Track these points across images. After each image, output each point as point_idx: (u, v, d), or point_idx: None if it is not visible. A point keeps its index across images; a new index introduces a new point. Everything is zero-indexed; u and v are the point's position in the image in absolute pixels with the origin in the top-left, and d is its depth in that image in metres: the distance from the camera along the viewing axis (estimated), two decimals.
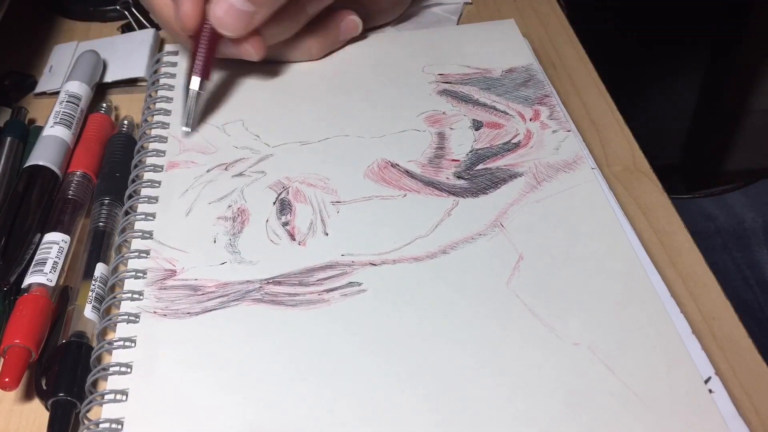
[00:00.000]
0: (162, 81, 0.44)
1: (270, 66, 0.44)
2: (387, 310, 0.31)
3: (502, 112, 0.40)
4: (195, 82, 0.39)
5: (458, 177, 0.37)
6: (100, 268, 0.34)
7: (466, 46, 0.45)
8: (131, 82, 0.47)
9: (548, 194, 0.36)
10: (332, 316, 0.31)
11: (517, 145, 0.38)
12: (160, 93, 0.43)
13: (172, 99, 0.42)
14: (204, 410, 0.28)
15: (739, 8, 1.08)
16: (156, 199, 0.37)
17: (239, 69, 0.43)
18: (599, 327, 0.30)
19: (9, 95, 0.47)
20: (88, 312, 0.33)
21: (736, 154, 1.22)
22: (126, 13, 0.52)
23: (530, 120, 0.40)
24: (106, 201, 0.37)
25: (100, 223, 0.36)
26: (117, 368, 0.30)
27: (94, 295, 0.33)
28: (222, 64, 0.43)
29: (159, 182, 0.38)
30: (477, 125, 0.40)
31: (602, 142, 0.41)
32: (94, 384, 0.30)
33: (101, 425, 0.28)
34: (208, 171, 0.38)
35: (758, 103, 1.17)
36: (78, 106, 0.42)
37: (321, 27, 0.43)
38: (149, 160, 0.39)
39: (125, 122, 0.42)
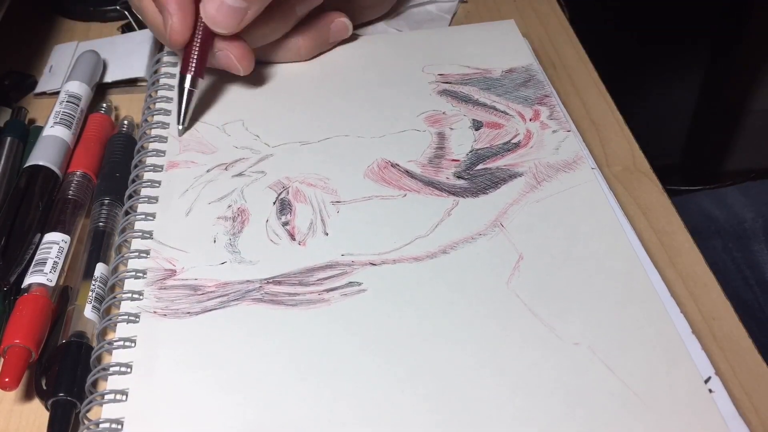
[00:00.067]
0: (162, 81, 0.44)
1: (270, 66, 0.44)
2: (387, 310, 0.31)
3: (502, 112, 0.40)
4: (188, 80, 0.39)
5: (458, 177, 0.37)
6: (100, 268, 0.34)
7: (466, 46, 0.45)
8: (131, 82, 0.47)
9: (548, 194, 0.36)
10: (332, 316, 0.31)
11: (517, 145, 0.38)
12: (160, 93, 0.43)
13: (172, 99, 0.42)
14: (204, 410, 0.28)
15: (739, 8, 1.08)
16: (156, 199, 0.37)
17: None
18: (599, 327, 0.30)
19: (9, 95, 0.47)
20: (88, 312, 0.33)
21: (736, 154, 1.22)
22: (126, 13, 0.52)
23: (530, 120, 0.40)
24: (106, 201, 0.37)
25: (100, 223, 0.36)
26: (117, 368, 0.30)
27: (94, 295, 0.33)
28: None
29: (159, 182, 0.38)
30: (477, 125, 0.40)
31: (602, 142, 0.41)
32: (94, 384, 0.30)
33: (101, 425, 0.28)
34: (208, 171, 0.38)
35: (758, 103, 1.17)
36: (78, 106, 0.42)
37: (310, 27, 0.43)
38: (149, 160, 0.39)
39: (125, 122, 0.42)
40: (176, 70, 0.44)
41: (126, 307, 0.32)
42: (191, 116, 0.41)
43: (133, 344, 0.31)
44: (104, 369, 0.30)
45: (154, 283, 0.33)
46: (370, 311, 0.31)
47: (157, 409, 0.29)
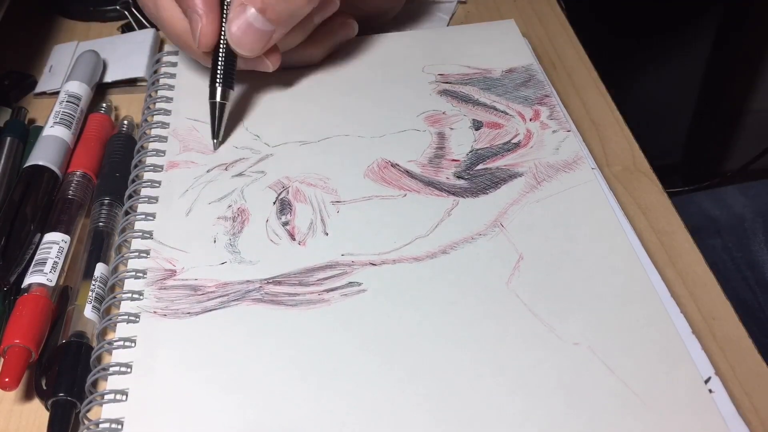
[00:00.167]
0: (162, 81, 0.44)
1: None
2: (387, 310, 0.31)
3: (502, 112, 0.40)
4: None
5: (458, 177, 0.37)
6: (100, 268, 0.34)
7: (466, 46, 0.45)
8: (131, 82, 0.47)
9: (548, 194, 0.36)
10: (332, 316, 0.31)
11: (517, 145, 0.38)
12: (160, 93, 0.43)
13: (172, 99, 0.42)
14: (204, 410, 0.28)
15: (739, 8, 1.08)
16: (156, 199, 0.37)
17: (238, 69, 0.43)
18: (599, 327, 0.30)
19: (9, 95, 0.47)
20: (88, 312, 0.33)
21: (736, 154, 1.22)
22: (126, 13, 0.52)
23: (530, 120, 0.40)
24: (106, 201, 0.37)
25: (100, 223, 0.36)
26: (117, 368, 0.30)
27: (94, 295, 0.33)
28: None
29: (159, 182, 0.38)
30: (477, 125, 0.40)
31: (602, 142, 0.41)
32: (94, 384, 0.30)
33: (101, 425, 0.28)
34: (208, 171, 0.38)
35: (758, 103, 1.17)
36: (78, 106, 0.42)
37: (318, 32, 0.43)
38: (149, 160, 0.39)
39: (125, 122, 0.42)
40: (176, 70, 0.44)
41: (126, 307, 0.32)
42: (196, 119, 0.40)
43: (133, 344, 0.31)
44: (104, 369, 0.30)
45: (154, 283, 0.33)
46: (370, 311, 0.31)
47: (157, 409, 0.29)
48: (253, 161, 0.38)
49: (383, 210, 0.36)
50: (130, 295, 0.32)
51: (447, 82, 0.42)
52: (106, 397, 0.29)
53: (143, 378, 0.30)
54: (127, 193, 0.37)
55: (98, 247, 0.35)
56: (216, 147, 0.39)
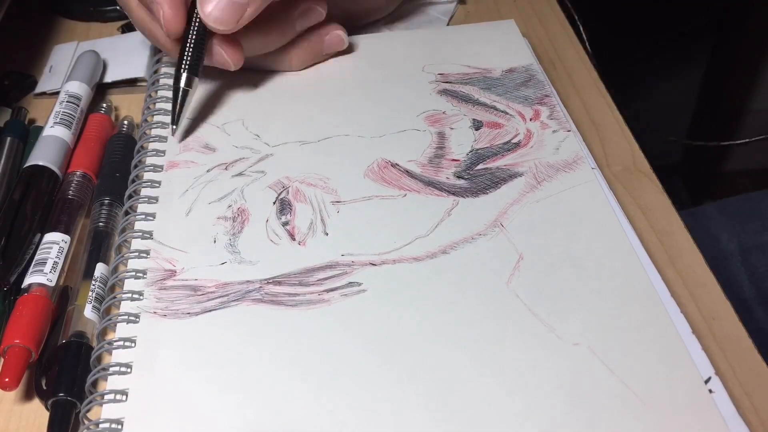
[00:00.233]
0: (162, 81, 0.44)
1: None
2: (387, 310, 0.31)
3: (502, 111, 0.40)
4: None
5: (458, 177, 0.37)
6: (100, 268, 0.34)
7: (466, 46, 0.45)
8: (131, 82, 0.47)
9: (548, 194, 0.36)
10: (332, 316, 0.31)
11: (517, 145, 0.38)
12: (160, 93, 0.43)
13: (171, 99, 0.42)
14: (204, 410, 0.28)
15: (739, 9, 1.08)
16: (156, 199, 0.37)
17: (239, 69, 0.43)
18: (599, 327, 0.30)
19: (9, 95, 0.47)
20: (88, 312, 0.33)
21: (736, 154, 1.22)
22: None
23: (530, 120, 0.40)
24: (106, 201, 0.37)
25: (100, 223, 0.36)
26: (117, 368, 0.30)
27: (94, 295, 0.33)
28: None
29: (159, 182, 0.38)
30: (477, 125, 0.40)
31: (602, 142, 0.41)
32: (94, 384, 0.30)
33: (101, 425, 0.28)
34: (208, 171, 0.38)
35: (758, 103, 1.17)
36: (78, 106, 0.42)
37: (304, 39, 0.42)
38: (149, 160, 0.39)
39: (125, 122, 0.42)
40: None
41: (126, 307, 0.32)
42: (188, 116, 0.40)
43: (133, 344, 0.31)
44: (104, 369, 0.30)
45: (154, 283, 0.33)
46: (370, 311, 0.31)
47: (157, 409, 0.29)
48: (253, 161, 0.38)
49: (383, 210, 0.36)
50: (130, 295, 0.32)
51: (447, 82, 0.42)
52: (106, 397, 0.29)
53: (143, 378, 0.30)
54: (127, 193, 0.37)
55: (98, 247, 0.35)
56: (173, 133, 0.39)
